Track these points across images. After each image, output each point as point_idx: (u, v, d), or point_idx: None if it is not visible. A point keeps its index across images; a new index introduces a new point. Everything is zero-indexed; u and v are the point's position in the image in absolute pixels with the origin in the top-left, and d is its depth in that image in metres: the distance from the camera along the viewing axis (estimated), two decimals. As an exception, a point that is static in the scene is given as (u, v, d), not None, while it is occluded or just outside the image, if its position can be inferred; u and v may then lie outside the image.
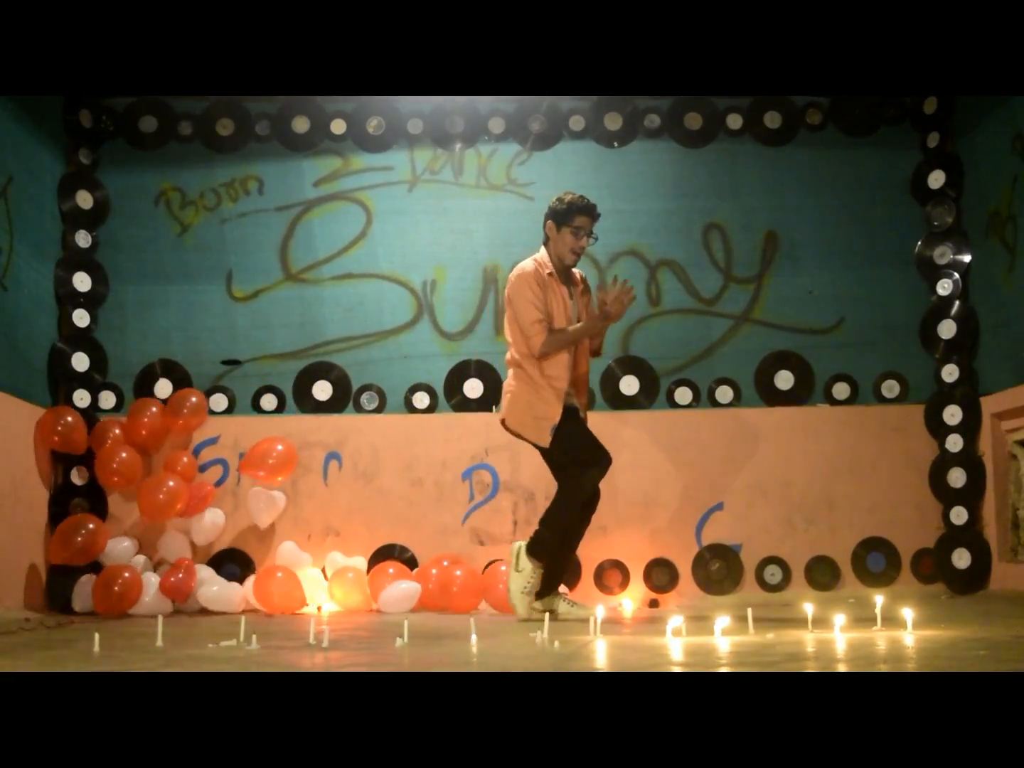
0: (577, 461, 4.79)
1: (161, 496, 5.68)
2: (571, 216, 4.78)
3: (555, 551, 4.77)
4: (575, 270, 4.97)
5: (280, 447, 5.91)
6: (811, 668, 2.67)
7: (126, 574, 5.42)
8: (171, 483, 5.71)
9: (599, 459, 4.79)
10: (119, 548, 5.70)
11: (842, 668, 2.67)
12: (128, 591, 5.39)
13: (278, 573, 5.57)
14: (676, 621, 3.59)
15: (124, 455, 5.79)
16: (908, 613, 3.61)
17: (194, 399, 6.06)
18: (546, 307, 4.75)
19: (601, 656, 3.13)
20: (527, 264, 4.84)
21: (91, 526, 5.56)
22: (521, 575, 4.67)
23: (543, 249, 4.89)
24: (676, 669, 2.74)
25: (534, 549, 4.70)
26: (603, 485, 6.12)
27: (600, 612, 3.99)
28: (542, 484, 6.12)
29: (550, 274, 4.80)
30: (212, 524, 5.88)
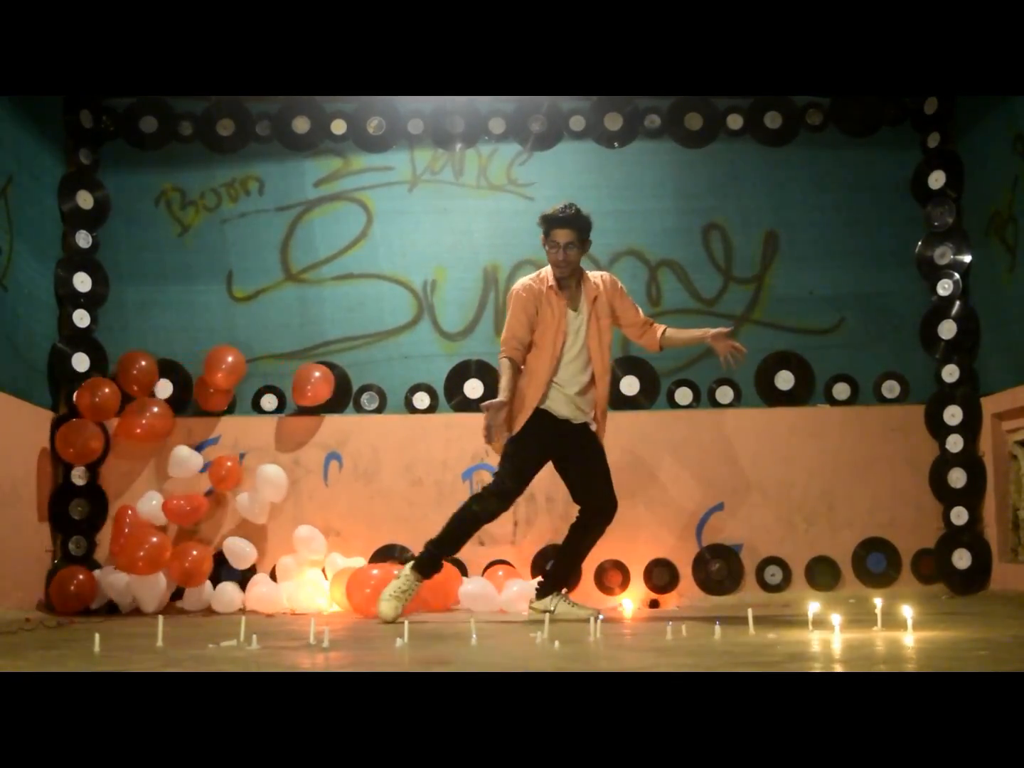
0: (496, 477, 4.78)
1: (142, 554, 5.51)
2: (546, 229, 4.77)
3: (436, 562, 4.75)
4: (594, 278, 4.92)
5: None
6: (812, 668, 2.66)
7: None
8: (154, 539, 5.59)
9: (504, 492, 4.71)
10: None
11: (841, 668, 2.67)
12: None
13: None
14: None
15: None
16: (908, 611, 3.61)
17: (156, 408, 6.05)
18: (531, 322, 4.73)
19: (601, 657, 3.13)
20: (526, 278, 4.86)
21: (81, 577, 5.58)
22: (397, 580, 4.68)
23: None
24: (676, 670, 2.74)
25: (417, 563, 4.71)
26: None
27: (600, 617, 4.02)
28: (543, 485, 6.10)
29: (550, 287, 4.77)
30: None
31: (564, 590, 4.97)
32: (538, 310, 4.75)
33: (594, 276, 4.95)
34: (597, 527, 4.86)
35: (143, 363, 6.07)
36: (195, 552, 5.61)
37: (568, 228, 4.72)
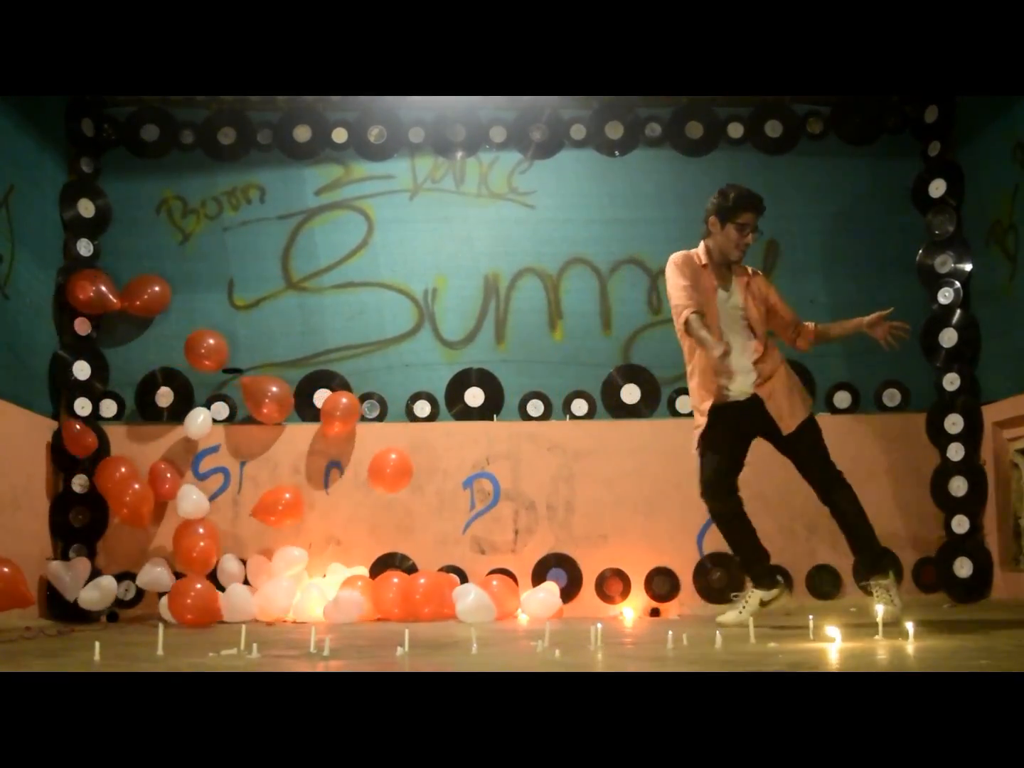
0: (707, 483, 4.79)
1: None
2: (737, 212, 4.69)
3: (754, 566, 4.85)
4: (745, 265, 4.85)
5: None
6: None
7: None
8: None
9: (709, 490, 4.81)
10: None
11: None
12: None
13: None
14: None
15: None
16: (910, 626, 3.61)
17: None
18: (695, 286, 4.62)
19: (601, 665, 3.12)
20: (680, 252, 4.77)
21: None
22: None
23: (702, 244, 4.80)
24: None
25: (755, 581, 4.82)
26: (605, 493, 6.16)
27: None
28: (543, 493, 6.12)
29: (704, 265, 4.70)
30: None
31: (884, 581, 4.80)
32: (696, 282, 4.65)
33: (747, 270, 4.88)
34: (832, 497, 4.86)
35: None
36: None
37: (758, 211, 4.73)
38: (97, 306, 6.07)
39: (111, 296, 6.10)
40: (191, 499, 5.84)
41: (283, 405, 6.14)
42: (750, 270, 4.86)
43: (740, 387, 4.68)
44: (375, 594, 5.58)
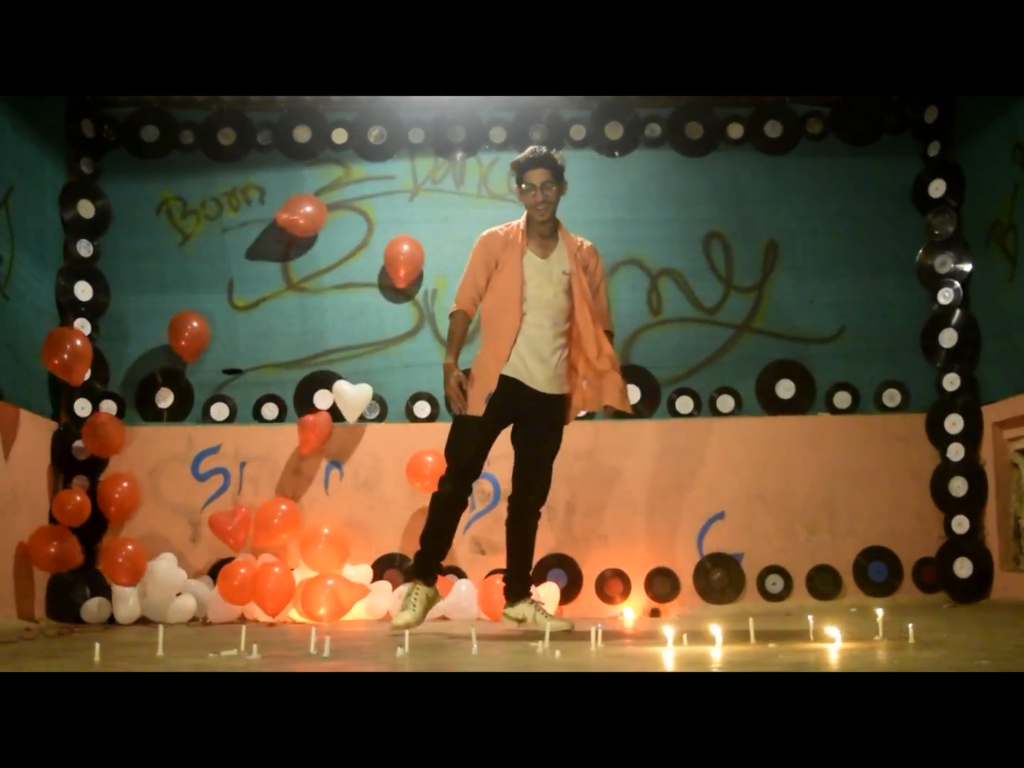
0: (447, 459, 4.61)
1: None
2: (523, 172, 4.55)
3: (425, 561, 4.61)
4: (578, 236, 4.76)
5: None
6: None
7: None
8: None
9: (453, 478, 4.56)
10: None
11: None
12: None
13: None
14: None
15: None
16: (910, 627, 3.61)
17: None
18: (490, 271, 4.57)
19: (601, 666, 3.12)
20: (494, 227, 4.70)
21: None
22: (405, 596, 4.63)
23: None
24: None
25: (411, 568, 4.65)
26: (605, 493, 6.15)
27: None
28: (543, 493, 6.11)
29: (519, 231, 4.60)
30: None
31: (533, 598, 4.74)
32: (498, 262, 4.58)
33: (576, 236, 4.77)
34: (525, 512, 4.70)
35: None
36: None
37: (542, 167, 4.51)
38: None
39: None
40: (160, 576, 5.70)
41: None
42: (580, 240, 4.75)
43: (539, 373, 4.55)
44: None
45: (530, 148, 4.63)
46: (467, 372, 4.61)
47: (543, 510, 4.82)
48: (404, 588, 4.63)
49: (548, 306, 4.55)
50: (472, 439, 4.53)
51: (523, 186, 4.56)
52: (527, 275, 4.55)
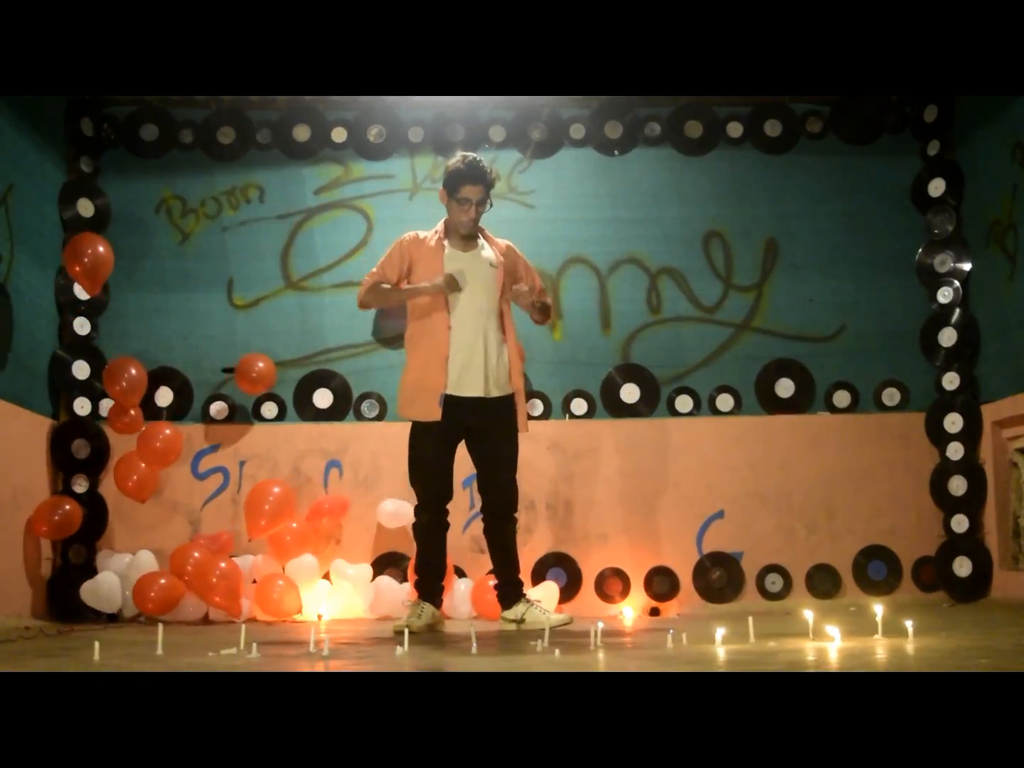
0: (414, 488, 4.64)
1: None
2: (456, 186, 4.50)
3: (425, 584, 4.63)
4: (500, 240, 4.75)
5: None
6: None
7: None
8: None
9: (425, 504, 4.58)
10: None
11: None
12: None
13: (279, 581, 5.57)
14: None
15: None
16: (909, 624, 3.61)
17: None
18: (403, 268, 4.57)
19: (601, 664, 3.12)
20: (413, 232, 4.70)
21: (67, 507, 5.61)
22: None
23: (441, 221, 4.72)
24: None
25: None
26: (605, 492, 6.16)
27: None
28: (542, 492, 6.12)
29: (439, 238, 4.59)
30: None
31: (527, 595, 4.74)
32: (416, 261, 4.58)
33: (500, 240, 4.77)
34: (500, 523, 4.67)
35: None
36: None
37: (481, 184, 4.50)
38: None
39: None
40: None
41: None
42: (503, 246, 4.75)
43: (470, 376, 4.52)
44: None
45: (469, 157, 4.57)
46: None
47: (536, 512, 4.82)
48: (412, 600, 4.66)
49: (477, 300, 4.54)
50: (431, 466, 4.53)
51: (458, 198, 4.52)
52: (448, 267, 4.52)
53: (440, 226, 4.69)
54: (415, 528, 4.65)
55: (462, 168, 4.50)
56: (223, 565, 5.45)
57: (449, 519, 4.70)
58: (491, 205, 4.63)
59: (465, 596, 5.72)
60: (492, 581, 5.03)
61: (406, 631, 3.59)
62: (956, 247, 6.24)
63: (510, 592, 4.71)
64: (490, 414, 4.54)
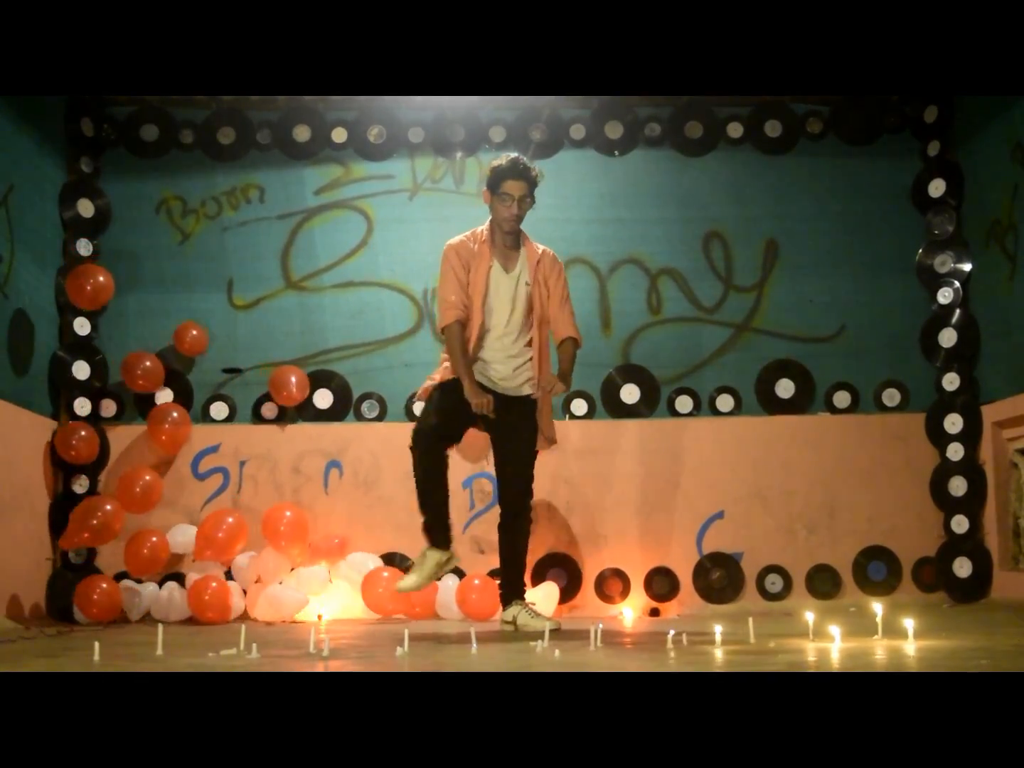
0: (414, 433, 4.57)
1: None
2: (498, 182, 4.54)
3: (432, 524, 4.55)
4: (539, 245, 4.73)
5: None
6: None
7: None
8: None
9: (417, 442, 4.50)
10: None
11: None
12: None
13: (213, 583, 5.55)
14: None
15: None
16: (909, 624, 3.60)
17: (175, 414, 6.05)
18: (465, 279, 4.56)
19: (601, 664, 3.12)
20: (459, 236, 4.68)
21: (109, 507, 5.60)
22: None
23: (488, 221, 4.71)
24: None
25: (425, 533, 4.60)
26: (605, 493, 6.16)
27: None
28: (542, 492, 6.11)
29: (484, 242, 4.60)
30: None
31: (525, 599, 4.71)
32: (470, 271, 4.57)
33: (537, 244, 4.74)
34: (515, 522, 4.67)
35: (148, 363, 6.08)
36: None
37: (523, 180, 4.53)
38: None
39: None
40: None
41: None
42: (540, 249, 4.71)
43: (502, 376, 4.61)
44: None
45: (513, 156, 4.61)
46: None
47: (535, 513, 4.80)
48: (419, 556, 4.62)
49: (510, 317, 4.60)
50: (438, 409, 4.51)
51: (500, 194, 4.54)
52: (491, 288, 4.57)
53: (486, 229, 4.67)
54: (415, 460, 4.53)
55: (504, 165, 4.55)
56: (214, 585, 5.49)
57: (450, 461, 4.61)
58: (534, 202, 4.64)
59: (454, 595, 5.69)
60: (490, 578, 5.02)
61: (406, 633, 3.59)
62: (956, 248, 6.24)
63: (506, 593, 4.72)
64: (507, 410, 4.57)
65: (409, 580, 4.50)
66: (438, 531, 4.56)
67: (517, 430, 4.64)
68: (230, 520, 5.74)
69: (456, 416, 4.54)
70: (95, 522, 5.49)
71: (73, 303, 6.02)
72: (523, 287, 4.64)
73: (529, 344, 4.66)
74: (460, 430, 4.63)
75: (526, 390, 4.65)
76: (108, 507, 5.59)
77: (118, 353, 6.24)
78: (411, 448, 4.54)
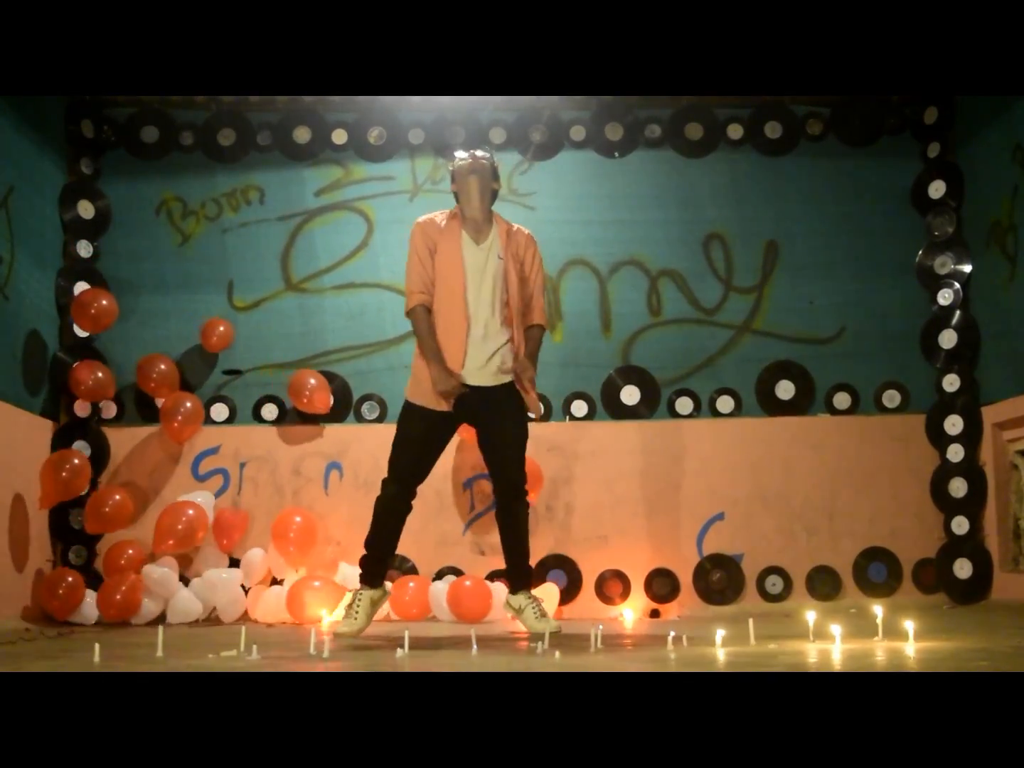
0: (389, 462, 4.53)
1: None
2: (456, 172, 4.57)
3: (371, 563, 4.54)
4: (516, 225, 4.69)
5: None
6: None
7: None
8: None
9: (393, 475, 4.48)
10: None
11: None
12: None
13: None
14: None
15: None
16: (910, 625, 3.60)
17: (188, 404, 6.05)
18: (431, 258, 4.49)
19: (602, 666, 3.12)
20: (430, 213, 4.64)
21: (76, 461, 5.64)
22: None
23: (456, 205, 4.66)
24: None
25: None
26: (605, 494, 6.16)
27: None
28: (543, 494, 6.12)
29: (454, 216, 4.56)
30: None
31: (532, 591, 4.66)
32: (436, 251, 4.50)
33: (511, 223, 4.69)
34: (506, 504, 4.59)
35: (163, 366, 6.09)
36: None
37: (478, 166, 4.53)
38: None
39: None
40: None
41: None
42: (517, 228, 4.67)
43: (476, 364, 4.48)
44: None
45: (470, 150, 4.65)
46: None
47: (535, 513, 4.76)
48: (348, 596, 4.57)
49: (487, 293, 4.50)
50: (416, 441, 4.47)
51: (459, 181, 4.56)
52: (466, 262, 4.49)
53: (456, 208, 4.62)
54: (378, 500, 4.54)
55: (462, 154, 4.60)
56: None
57: (414, 503, 4.58)
58: (496, 189, 4.62)
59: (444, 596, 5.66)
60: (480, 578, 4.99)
61: (406, 633, 3.58)
62: (956, 249, 6.24)
63: (514, 579, 4.65)
64: (491, 401, 4.51)
65: (348, 626, 4.41)
66: (378, 571, 4.56)
67: (502, 415, 4.53)
68: (190, 512, 5.70)
69: (434, 442, 4.53)
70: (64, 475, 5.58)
71: (79, 326, 6.03)
72: (495, 260, 4.54)
73: (505, 323, 4.55)
74: (437, 455, 4.58)
75: (503, 378, 4.53)
76: (76, 461, 5.69)
77: (118, 354, 6.24)
78: (386, 481, 4.51)
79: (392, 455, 4.53)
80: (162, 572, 5.55)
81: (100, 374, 5.95)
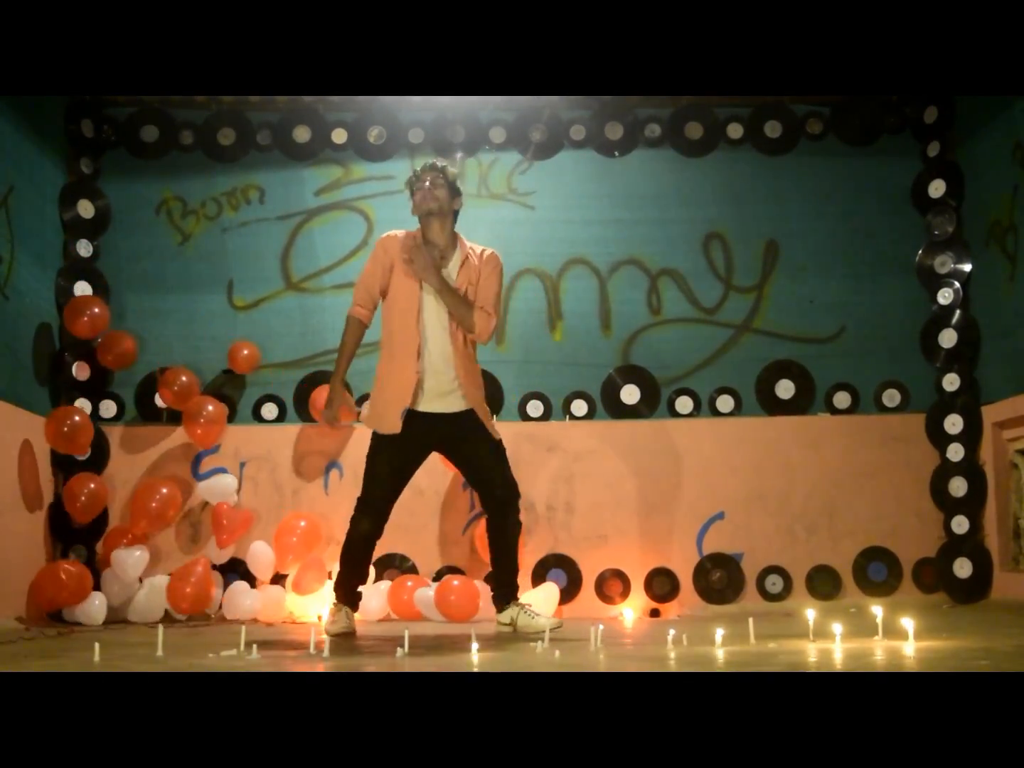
0: (361, 497, 4.54)
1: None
2: (413, 188, 4.55)
3: (345, 592, 4.55)
4: (480, 248, 4.62)
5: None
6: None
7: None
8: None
9: (368, 511, 4.49)
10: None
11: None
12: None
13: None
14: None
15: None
16: (909, 624, 3.60)
17: (211, 407, 6.05)
18: (385, 275, 4.50)
19: (601, 665, 3.12)
20: (400, 231, 4.63)
21: (77, 418, 5.69)
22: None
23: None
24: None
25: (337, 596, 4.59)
26: (605, 494, 6.16)
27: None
28: (543, 494, 6.12)
29: (415, 240, 4.52)
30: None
31: (520, 600, 4.66)
32: (395, 264, 4.51)
33: (476, 245, 4.63)
34: (499, 523, 4.61)
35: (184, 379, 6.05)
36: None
37: (432, 182, 4.48)
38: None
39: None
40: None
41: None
42: (479, 249, 4.61)
43: (436, 391, 4.49)
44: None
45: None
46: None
47: (535, 513, 4.76)
48: (332, 607, 4.60)
49: (445, 319, 4.49)
50: (386, 478, 4.49)
51: (415, 200, 4.54)
52: (424, 286, 4.48)
53: (418, 232, 4.60)
54: (350, 534, 4.53)
55: (417, 175, 4.55)
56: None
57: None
58: (458, 208, 4.59)
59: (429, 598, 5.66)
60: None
61: (406, 633, 3.59)
62: (956, 248, 6.24)
63: (500, 594, 4.66)
64: (456, 427, 4.51)
65: (340, 625, 4.44)
66: (352, 594, 4.58)
67: (474, 436, 4.53)
68: (164, 491, 5.80)
69: (407, 472, 4.57)
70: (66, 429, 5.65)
71: (72, 333, 5.97)
72: (452, 282, 4.50)
73: (456, 355, 4.52)
74: (406, 482, 4.60)
75: (463, 404, 4.51)
76: (77, 418, 5.71)
77: (117, 354, 6.23)
78: (357, 518, 4.50)
79: (364, 491, 4.53)
80: (136, 556, 5.67)
81: (184, 378, 6.03)
